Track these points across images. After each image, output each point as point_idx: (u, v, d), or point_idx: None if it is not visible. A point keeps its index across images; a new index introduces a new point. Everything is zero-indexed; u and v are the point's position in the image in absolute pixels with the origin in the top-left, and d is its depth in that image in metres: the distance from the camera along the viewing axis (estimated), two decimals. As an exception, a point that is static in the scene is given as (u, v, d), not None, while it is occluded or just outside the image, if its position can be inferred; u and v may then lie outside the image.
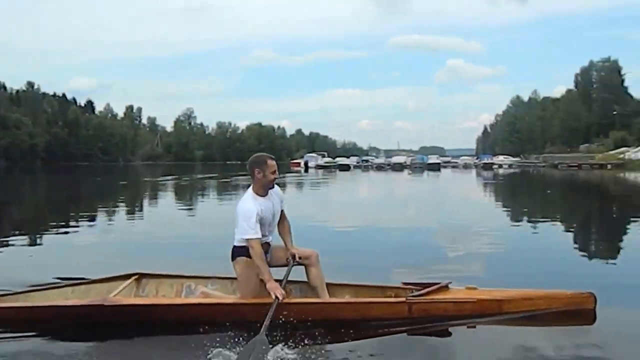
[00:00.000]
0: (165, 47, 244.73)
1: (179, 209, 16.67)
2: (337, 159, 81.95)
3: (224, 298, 4.36)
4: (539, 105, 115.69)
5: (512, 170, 59.95)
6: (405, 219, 12.89)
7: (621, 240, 9.64)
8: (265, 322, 3.55)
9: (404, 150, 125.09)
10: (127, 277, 4.67)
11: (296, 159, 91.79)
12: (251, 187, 4.27)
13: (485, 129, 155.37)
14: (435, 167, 65.03)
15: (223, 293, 4.51)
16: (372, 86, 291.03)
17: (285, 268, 4.29)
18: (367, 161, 79.36)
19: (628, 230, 11.02)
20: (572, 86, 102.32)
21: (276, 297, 3.83)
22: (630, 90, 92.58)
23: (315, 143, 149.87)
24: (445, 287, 4.30)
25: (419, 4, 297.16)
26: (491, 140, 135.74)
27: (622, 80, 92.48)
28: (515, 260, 7.15)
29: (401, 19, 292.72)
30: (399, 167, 70.16)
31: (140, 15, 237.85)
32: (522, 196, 23.90)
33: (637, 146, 65.77)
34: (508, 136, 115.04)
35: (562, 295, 4.27)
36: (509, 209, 16.71)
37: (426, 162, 71.63)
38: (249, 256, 4.07)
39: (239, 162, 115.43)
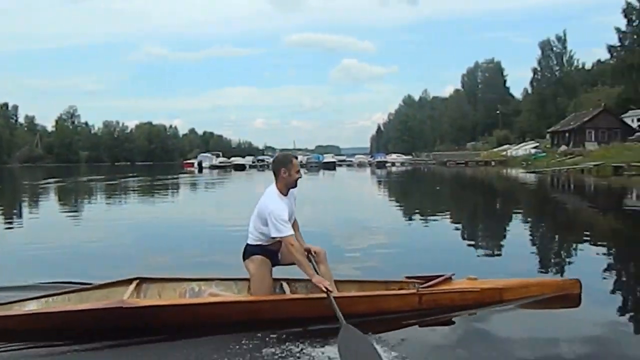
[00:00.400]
0: (45, 40, 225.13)
1: (63, 215, 14.59)
2: (232, 158, 79.56)
3: (240, 297, 4.39)
4: (429, 104, 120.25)
5: (404, 168, 61.05)
6: (304, 218, 11.30)
7: (506, 231, 10.73)
8: (337, 314, 3.63)
9: (299, 150, 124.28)
10: (128, 282, 4.51)
11: (189, 159, 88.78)
12: (274, 186, 4.28)
13: (379, 127, 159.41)
14: (331, 166, 64.90)
15: (230, 294, 4.49)
16: (268, 84, 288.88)
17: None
18: (262, 161, 77.46)
19: (510, 222, 12.24)
20: (459, 86, 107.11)
21: (326, 288, 3.87)
22: (512, 91, 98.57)
23: (210, 143, 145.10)
24: (449, 279, 4.54)
25: (314, 2, 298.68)
26: (385, 139, 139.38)
27: (505, 81, 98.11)
28: (411, 253, 7.65)
29: (297, 17, 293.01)
30: (295, 166, 69.05)
31: (15, 6, 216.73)
32: (414, 193, 24.24)
33: (518, 144, 69.58)
34: (400, 135, 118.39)
35: (553, 282, 4.84)
36: (401, 205, 17.41)
37: (322, 161, 71.20)
38: (264, 254, 4.20)
39: (128, 163, 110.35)
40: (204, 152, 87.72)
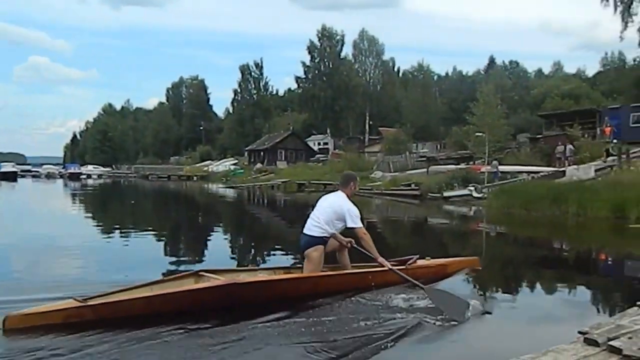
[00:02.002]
0: None
1: None
2: None
3: (314, 274, 5.41)
4: (132, 115, 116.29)
5: (102, 181, 57.64)
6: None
7: (207, 242, 11.22)
8: (413, 282, 5.27)
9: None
10: (190, 275, 5.27)
11: None
12: (343, 192, 5.73)
13: (75, 136, 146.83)
14: (11, 177, 56.50)
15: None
16: None
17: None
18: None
19: (211, 235, 12.68)
20: (164, 99, 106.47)
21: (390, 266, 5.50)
22: (215, 109, 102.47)
23: None
24: (419, 259, 6.22)
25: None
26: (82, 149, 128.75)
27: (208, 99, 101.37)
28: (105, 269, 7.35)
29: None
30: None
31: None
32: (112, 207, 22.76)
33: (219, 160, 72.60)
34: (100, 145, 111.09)
35: (472, 259, 7.08)
36: (96, 220, 16.47)
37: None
38: (324, 245, 5.51)
39: None
40: None
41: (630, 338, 2.97)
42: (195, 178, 58.19)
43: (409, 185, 27.48)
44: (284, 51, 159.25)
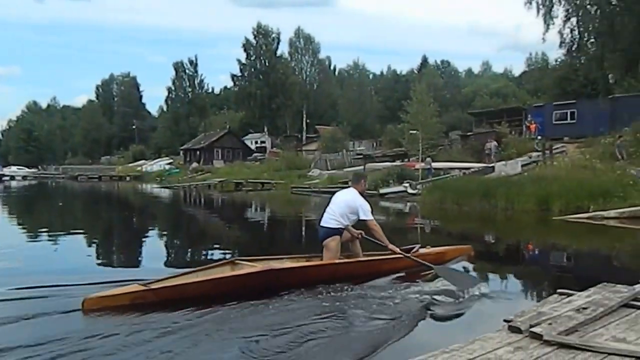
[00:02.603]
0: None
1: None
2: None
3: (341, 260, 6.24)
4: (60, 113, 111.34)
5: (27, 183, 54.82)
6: None
7: (141, 243, 10.96)
8: (425, 264, 6.21)
9: None
10: (228, 262, 6.09)
11: None
12: (355, 189, 6.51)
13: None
14: None
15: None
16: None
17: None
18: None
19: (145, 237, 12.36)
20: (94, 97, 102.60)
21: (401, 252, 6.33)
22: (148, 107, 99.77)
23: None
24: (421, 247, 6.94)
25: None
26: (4, 149, 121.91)
27: (141, 97, 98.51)
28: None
29: None
30: None
31: None
32: (36, 209, 21.76)
33: (153, 159, 70.71)
34: (24, 145, 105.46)
35: (466, 247, 7.92)
36: (19, 224, 15.73)
37: None
38: (340, 235, 6.19)
39: None
40: None
41: (550, 324, 3.15)
42: (128, 178, 56.52)
43: (346, 183, 27.76)
44: (219, 48, 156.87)
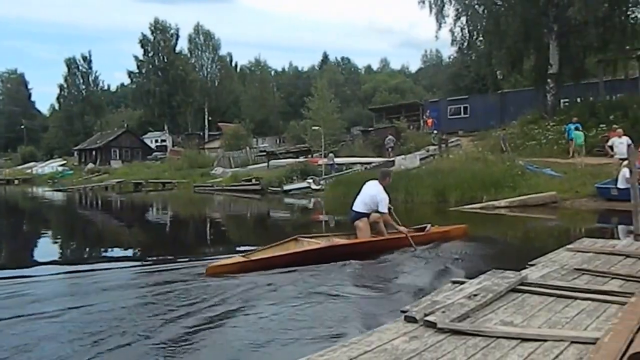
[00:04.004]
0: None
1: None
2: None
3: (373, 238, 7.94)
4: None
5: None
6: None
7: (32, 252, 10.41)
8: (413, 244, 7.78)
9: None
10: (292, 239, 7.65)
11: None
12: (380, 183, 8.10)
13: None
14: None
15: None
16: None
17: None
18: None
19: (37, 242, 11.90)
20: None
21: (405, 233, 7.95)
22: (38, 105, 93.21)
23: None
24: (432, 227, 8.77)
25: None
26: None
27: (30, 95, 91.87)
28: None
29: None
30: None
31: None
32: None
33: (45, 161, 66.32)
34: None
35: (464, 226, 9.46)
36: None
37: None
38: (367, 217, 7.91)
39: None
40: None
41: (443, 312, 3.23)
42: (16, 182, 52.51)
43: (250, 180, 27.57)
44: (114, 44, 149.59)
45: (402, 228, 8.00)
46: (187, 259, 7.35)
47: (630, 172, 8.08)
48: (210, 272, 6.29)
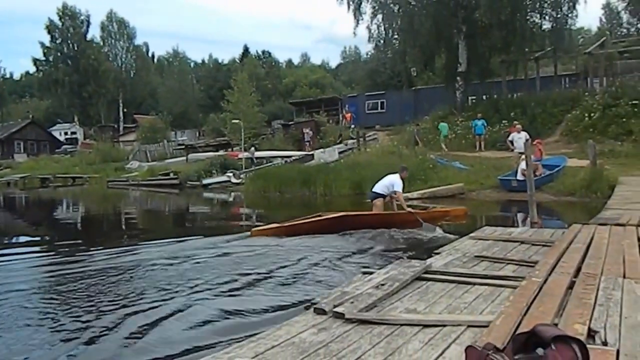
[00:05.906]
0: None
1: None
2: None
3: (385, 212, 10.31)
4: None
5: None
6: None
7: None
8: (420, 219, 9.66)
9: None
10: (315, 216, 9.66)
11: None
12: (399, 175, 10.27)
13: None
14: None
15: None
16: None
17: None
18: None
19: None
20: None
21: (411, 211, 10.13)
22: None
23: None
24: (434, 207, 11.69)
25: None
26: None
27: None
28: None
29: None
30: None
31: None
32: None
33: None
34: None
35: (462, 209, 11.87)
36: None
37: None
38: (383, 197, 10.36)
39: None
40: None
41: (352, 302, 3.36)
42: None
43: (168, 174, 26.86)
44: (17, 29, 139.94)
45: (408, 209, 10.17)
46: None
47: (527, 165, 8.77)
48: (254, 235, 8.87)
